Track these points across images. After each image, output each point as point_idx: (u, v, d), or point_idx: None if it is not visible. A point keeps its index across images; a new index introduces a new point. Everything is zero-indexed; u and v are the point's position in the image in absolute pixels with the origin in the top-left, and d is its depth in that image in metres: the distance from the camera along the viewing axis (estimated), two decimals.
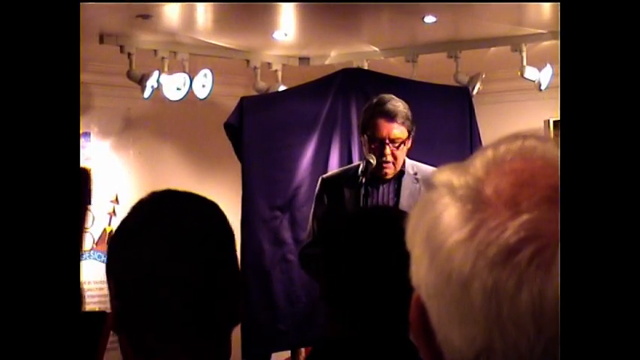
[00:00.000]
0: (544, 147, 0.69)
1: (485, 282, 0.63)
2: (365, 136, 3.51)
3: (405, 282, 0.72)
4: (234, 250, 1.33)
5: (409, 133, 3.49)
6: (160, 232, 1.27)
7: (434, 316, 0.68)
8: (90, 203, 1.55)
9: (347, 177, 3.61)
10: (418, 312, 0.70)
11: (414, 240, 0.71)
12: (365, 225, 1.81)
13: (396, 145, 3.47)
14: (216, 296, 1.26)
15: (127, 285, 1.28)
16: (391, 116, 3.45)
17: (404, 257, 0.72)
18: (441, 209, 0.68)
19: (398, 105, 3.49)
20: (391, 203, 3.51)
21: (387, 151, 3.46)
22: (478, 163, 0.70)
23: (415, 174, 3.56)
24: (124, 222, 1.33)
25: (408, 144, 3.52)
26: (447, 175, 0.70)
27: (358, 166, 3.64)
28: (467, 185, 0.68)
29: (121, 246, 1.31)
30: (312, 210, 3.70)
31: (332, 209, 3.56)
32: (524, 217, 0.64)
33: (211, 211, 1.33)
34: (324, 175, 3.80)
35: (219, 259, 1.29)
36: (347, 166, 3.92)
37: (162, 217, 1.29)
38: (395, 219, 1.81)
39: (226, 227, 1.33)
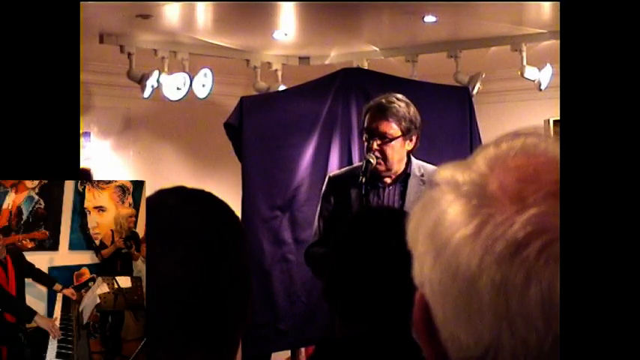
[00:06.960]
0: (545, 144, 0.69)
1: (494, 277, 0.63)
2: (363, 134, 3.48)
3: (409, 281, 0.72)
4: (240, 249, 1.31)
5: (403, 132, 3.41)
6: (162, 237, 1.25)
7: (439, 314, 0.68)
8: None
9: (353, 177, 3.52)
10: (421, 311, 0.70)
11: (417, 238, 0.70)
12: (368, 225, 1.81)
13: (385, 141, 3.39)
14: (220, 297, 1.25)
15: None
16: (381, 110, 3.39)
17: (407, 256, 0.72)
18: (445, 206, 0.68)
19: (393, 101, 3.42)
20: (397, 205, 3.42)
21: (374, 145, 3.39)
22: (480, 160, 0.70)
23: (422, 175, 3.47)
24: None
25: (405, 145, 3.44)
26: (449, 173, 0.70)
27: None
28: (471, 181, 0.68)
29: None
30: (318, 208, 3.64)
31: (338, 209, 3.52)
32: (531, 211, 0.63)
33: (214, 209, 1.31)
34: (332, 174, 3.73)
35: (224, 259, 1.26)
36: (354, 165, 3.85)
37: (168, 218, 1.27)
38: (399, 218, 1.81)
39: (230, 225, 1.31)
